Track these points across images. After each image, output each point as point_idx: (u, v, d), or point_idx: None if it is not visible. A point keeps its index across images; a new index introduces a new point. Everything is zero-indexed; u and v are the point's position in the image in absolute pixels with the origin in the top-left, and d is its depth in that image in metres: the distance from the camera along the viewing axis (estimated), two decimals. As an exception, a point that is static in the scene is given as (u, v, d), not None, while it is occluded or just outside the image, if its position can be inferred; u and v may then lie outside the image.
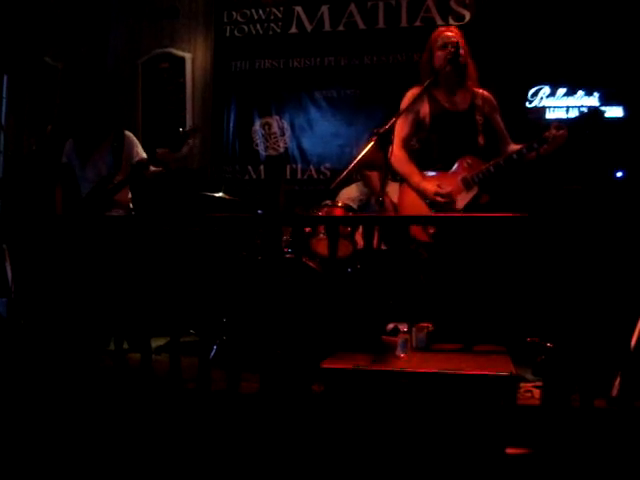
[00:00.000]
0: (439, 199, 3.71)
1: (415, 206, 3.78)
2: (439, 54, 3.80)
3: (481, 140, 3.82)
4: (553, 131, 3.59)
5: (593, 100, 5.37)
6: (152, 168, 4.68)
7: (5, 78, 5.62)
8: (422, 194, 3.77)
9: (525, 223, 3.21)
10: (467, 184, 3.73)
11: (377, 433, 2.84)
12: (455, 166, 3.78)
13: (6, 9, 5.15)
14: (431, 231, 3.69)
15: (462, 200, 3.74)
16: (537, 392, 3.35)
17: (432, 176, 3.81)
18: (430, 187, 3.75)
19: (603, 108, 5.17)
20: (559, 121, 3.72)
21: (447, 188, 3.73)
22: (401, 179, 3.94)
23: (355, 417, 2.88)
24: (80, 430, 3.21)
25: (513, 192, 4.37)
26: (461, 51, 3.77)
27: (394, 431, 2.82)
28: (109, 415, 3.27)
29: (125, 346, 3.91)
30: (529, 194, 4.70)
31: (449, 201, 3.72)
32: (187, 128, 4.97)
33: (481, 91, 3.92)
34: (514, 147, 3.79)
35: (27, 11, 5.28)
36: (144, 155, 4.73)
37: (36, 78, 5.87)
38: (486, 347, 3.25)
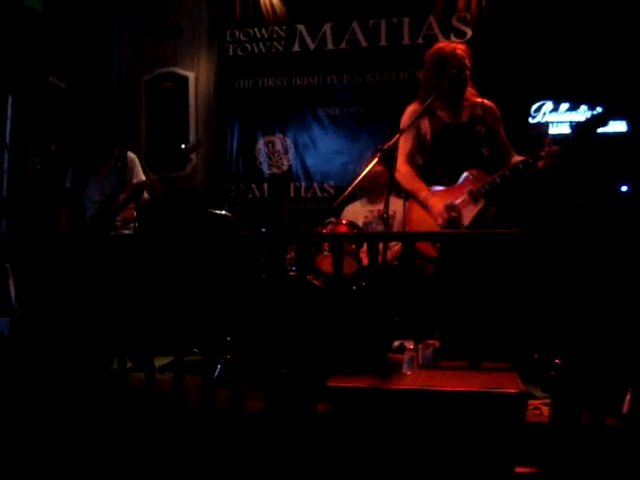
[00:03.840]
0: (444, 223, 3.67)
1: (423, 222, 3.76)
2: (449, 72, 3.73)
3: (485, 151, 3.80)
4: (547, 147, 3.58)
5: (596, 115, 5.37)
6: (145, 195, 4.70)
7: (10, 98, 5.64)
8: (429, 211, 3.74)
9: (532, 238, 3.18)
10: (474, 197, 3.70)
11: (384, 452, 2.80)
12: (461, 179, 3.76)
13: (10, 30, 5.18)
14: (439, 246, 3.67)
15: (469, 213, 3.71)
16: (546, 409, 3.31)
17: (439, 191, 3.78)
18: (438, 206, 3.71)
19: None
20: (554, 136, 3.70)
21: (455, 202, 3.71)
22: (406, 195, 3.92)
23: (361, 436, 2.85)
24: (84, 450, 3.18)
25: (520, 204, 4.35)
26: (468, 72, 3.76)
27: (401, 450, 2.79)
28: (113, 435, 3.24)
29: (129, 365, 3.89)
30: (536, 207, 4.69)
31: (456, 218, 3.69)
32: (189, 144, 4.97)
33: (481, 100, 3.89)
34: (518, 158, 3.76)
35: (31, 32, 5.31)
36: (143, 178, 4.76)
37: (41, 98, 5.89)
38: (493, 364, 3.22)
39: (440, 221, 3.69)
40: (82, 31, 6.53)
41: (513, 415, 2.75)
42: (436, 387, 2.84)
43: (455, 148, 3.79)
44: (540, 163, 3.60)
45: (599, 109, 3.83)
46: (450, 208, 3.69)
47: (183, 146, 4.89)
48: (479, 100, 3.88)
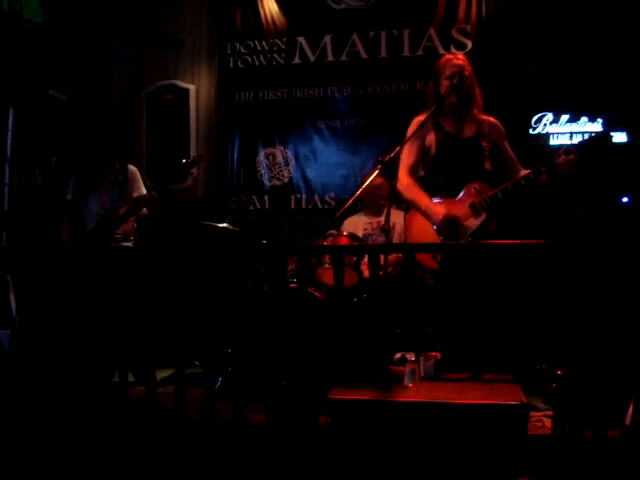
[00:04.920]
0: (449, 220, 3.67)
1: (423, 234, 3.76)
2: (445, 83, 3.79)
3: (488, 166, 3.81)
4: (562, 156, 3.58)
5: (597, 126, 5.38)
6: (144, 210, 4.71)
7: (11, 111, 5.66)
8: (431, 217, 3.74)
9: (533, 250, 3.18)
10: (475, 210, 3.71)
11: (386, 465, 2.79)
12: (463, 192, 3.76)
13: (11, 43, 5.20)
14: (440, 258, 3.67)
15: (471, 226, 3.71)
16: (548, 421, 3.30)
17: (440, 202, 3.79)
18: (440, 210, 3.72)
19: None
20: (567, 146, 3.70)
21: (456, 214, 3.71)
22: (406, 207, 3.93)
23: (363, 449, 2.84)
24: (85, 464, 3.16)
25: (522, 218, 4.35)
26: (467, 81, 3.76)
27: (403, 462, 2.77)
28: (115, 448, 3.23)
29: (130, 378, 3.88)
30: (537, 220, 4.69)
31: (458, 223, 3.68)
32: (190, 158, 4.98)
33: (487, 118, 3.91)
34: (524, 173, 3.76)
35: (32, 45, 5.33)
36: (143, 191, 4.76)
37: (42, 111, 5.91)
38: (495, 376, 3.21)
39: (441, 224, 3.68)
40: (82, 43, 6.55)
41: (515, 427, 2.74)
42: (438, 399, 2.83)
43: (459, 161, 3.79)
44: (555, 170, 3.60)
45: (599, 121, 3.83)
46: (451, 217, 3.69)
47: (184, 160, 4.89)
48: (485, 117, 3.90)
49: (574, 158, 3.58)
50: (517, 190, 3.66)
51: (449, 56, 4.01)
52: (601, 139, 3.75)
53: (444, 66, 3.84)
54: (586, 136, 5.27)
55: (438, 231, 3.73)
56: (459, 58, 3.90)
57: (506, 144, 3.92)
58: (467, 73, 3.78)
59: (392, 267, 4.42)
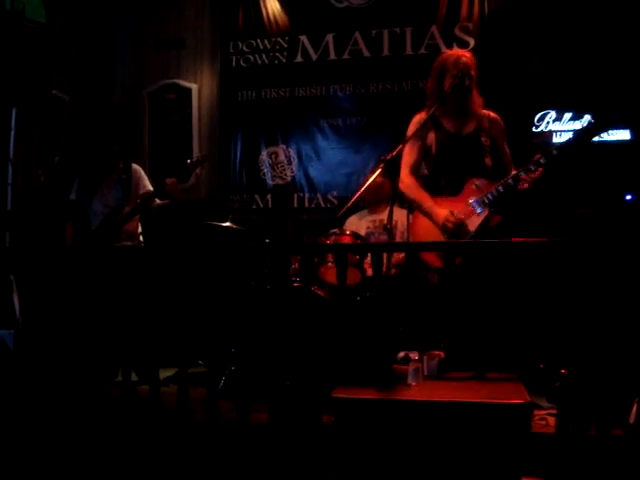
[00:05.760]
0: (450, 225, 3.67)
1: (428, 232, 3.75)
2: (450, 82, 3.76)
3: (488, 161, 3.81)
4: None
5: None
6: (157, 201, 4.71)
7: (14, 111, 5.65)
8: (434, 220, 3.73)
9: (537, 248, 3.17)
10: (478, 206, 3.70)
11: (389, 463, 2.79)
12: (464, 189, 3.76)
13: (14, 43, 5.20)
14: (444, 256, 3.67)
15: (473, 223, 3.71)
16: (552, 420, 3.30)
17: (443, 201, 3.78)
18: (442, 212, 3.71)
19: (609, 131, 5.17)
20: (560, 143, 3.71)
21: (459, 213, 3.70)
22: (409, 206, 3.92)
23: (366, 447, 2.83)
24: (89, 464, 3.17)
25: (525, 213, 4.34)
26: (467, 81, 3.74)
27: (406, 462, 2.77)
28: (118, 448, 3.23)
29: (133, 377, 3.88)
30: (541, 216, 4.68)
31: (460, 224, 3.68)
32: (194, 158, 4.98)
33: (487, 113, 3.90)
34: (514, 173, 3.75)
35: (35, 44, 5.33)
36: (150, 188, 4.76)
37: (44, 111, 5.91)
38: (499, 374, 3.20)
39: (447, 226, 3.67)
40: (85, 43, 6.55)
41: (519, 426, 2.73)
42: (441, 398, 2.83)
43: (459, 159, 3.79)
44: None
45: (588, 117, 3.83)
46: (454, 221, 3.68)
47: (189, 161, 4.89)
48: (485, 112, 3.89)
49: (554, 157, 3.58)
50: (517, 183, 3.65)
51: (457, 53, 3.97)
52: (588, 131, 3.75)
53: (454, 64, 3.77)
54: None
55: (443, 232, 3.73)
56: (467, 56, 3.85)
57: (504, 144, 3.90)
58: (473, 72, 3.76)
59: (394, 269, 4.41)
